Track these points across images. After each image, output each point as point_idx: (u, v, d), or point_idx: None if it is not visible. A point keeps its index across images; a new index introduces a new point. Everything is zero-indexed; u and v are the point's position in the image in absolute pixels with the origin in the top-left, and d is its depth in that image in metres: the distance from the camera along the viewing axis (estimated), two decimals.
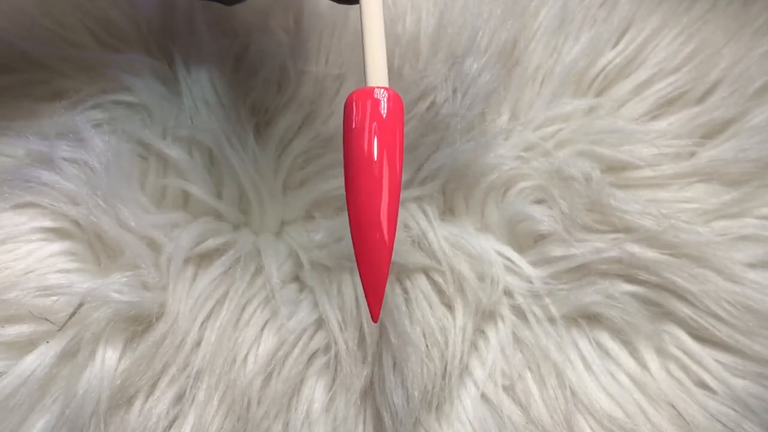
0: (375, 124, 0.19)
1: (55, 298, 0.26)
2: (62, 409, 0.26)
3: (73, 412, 0.25)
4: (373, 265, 0.20)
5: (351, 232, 0.20)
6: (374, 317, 0.20)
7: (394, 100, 0.20)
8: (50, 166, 0.29)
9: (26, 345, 0.26)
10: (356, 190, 0.19)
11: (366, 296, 0.20)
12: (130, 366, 0.26)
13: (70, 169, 0.28)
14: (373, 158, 0.19)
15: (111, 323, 0.26)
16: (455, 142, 0.31)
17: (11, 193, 0.28)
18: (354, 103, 0.20)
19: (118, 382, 0.26)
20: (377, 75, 0.20)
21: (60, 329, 0.26)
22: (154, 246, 0.29)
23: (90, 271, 0.28)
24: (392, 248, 0.20)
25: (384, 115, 0.19)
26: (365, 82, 0.20)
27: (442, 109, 0.32)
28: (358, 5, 0.21)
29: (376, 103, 0.19)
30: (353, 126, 0.19)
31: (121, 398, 0.27)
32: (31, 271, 0.27)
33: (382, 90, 0.20)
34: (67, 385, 0.26)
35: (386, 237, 0.20)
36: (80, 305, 0.26)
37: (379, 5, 0.20)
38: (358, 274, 0.29)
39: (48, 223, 0.28)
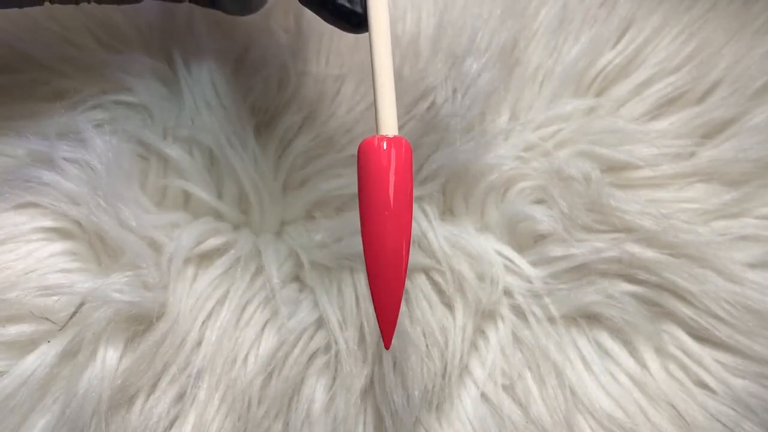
0: (387, 172, 0.21)
1: (56, 297, 0.27)
2: (63, 409, 0.26)
3: (74, 411, 0.25)
4: (387, 300, 0.22)
5: (367, 271, 0.22)
6: (387, 345, 0.22)
7: (405, 148, 0.21)
8: (51, 166, 0.29)
9: (27, 345, 0.26)
10: (371, 234, 0.21)
11: (380, 326, 0.22)
12: (130, 365, 0.27)
13: (70, 169, 0.28)
14: (388, 205, 0.21)
15: (112, 323, 0.27)
16: (455, 142, 0.31)
17: (12, 193, 0.28)
18: (366, 152, 0.21)
19: (119, 382, 0.26)
20: (387, 124, 0.21)
21: (61, 329, 0.26)
22: (154, 246, 0.29)
23: (91, 270, 0.28)
24: (404, 283, 0.22)
25: (394, 164, 0.21)
26: (377, 129, 0.22)
27: (442, 109, 0.32)
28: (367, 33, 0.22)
29: (388, 152, 0.21)
30: (366, 174, 0.21)
31: (122, 398, 0.27)
32: (32, 271, 0.27)
33: (392, 139, 0.21)
34: (68, 385, 0.26)
35: (400, 276, 0.21)
36: (81, 305, 0.26)
37: (389, 54, 0.22)
38: (358, 273, 0.30)
39: (49, 223, 0.28)
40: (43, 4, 0.26)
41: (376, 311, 0.22)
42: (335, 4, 0.25)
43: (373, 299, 0.22)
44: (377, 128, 0.22)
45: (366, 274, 0.22)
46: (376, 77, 0.22)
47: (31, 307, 0.26)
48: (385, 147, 0.21)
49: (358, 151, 0.21)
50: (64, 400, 0.26)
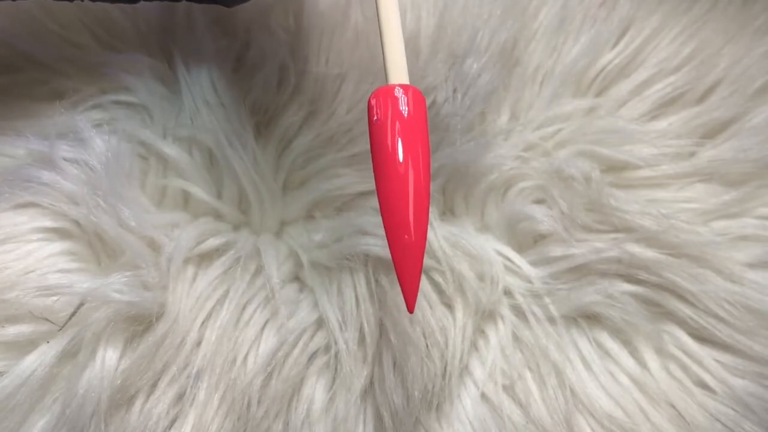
0: (398, 122, 0.20)
1: (55, 297, 0.26)
2: (62, 409, 0.26)
3: (74, 412, 0.25)
4: (405, 260, 0.20)
5: (385, 230, 0.20)
6: (410, 309, 0.21)
7: (416, 96, 0.20)
8: (50, 166, 0.29)
9: (26, 345, 0.26)
10: (384, 188, 0.20)
11: (402, 289, 0.21)
12: (130, 366, 0.26)
13: (70, 169, 0.28)
14: (398, 156, 0.19)
15: (111, 323, 0.26)
16: (455, 142, 0.31)
17: (11, 193, 0.28)
18: (376, 102, 0.20)
19: (119, 382, 0.26)
20: (397, 73, 0.20)
21: (60, 329, 0.26)
22: (154, 246, 0.29)
23: (90, 270, 0.28)
24: (424, 244, 0.20)
25: (406, 113, 0.20)
26: (386, 80, 0.20)
27: (442, 109, 0.32)
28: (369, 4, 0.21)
29: (398, 100, 0.20)
30: (376, 125, 0.20)
31: (122, 398, 0.27)
32: (32, 271, 0.27)
33: (404, 88, 0.20)
34: (68, 385, 0.26)
35: (414, 234, 0.20)
36: (81, 305, 0.26)
37: (396, 2, 0.21)
38: (358, 274, 0.30)
39: (48, 223, 0.28)
40: None
41: (397, 273, 0.20)
42: None
43: (393, 260, 0.20)
44: (387, 78, 0.20)
45: (384, 232, 0.20)
46: (383, 25, 0.20)
47: (31, 307, 0.26)
48: (396, 94, 0.20)
49: (369, 103, 0.20)
50: (64, 400, 0.26)
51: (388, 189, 0.20)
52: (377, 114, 0.20)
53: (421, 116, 0.20)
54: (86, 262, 0.28)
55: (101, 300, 0.26)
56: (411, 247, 0.20)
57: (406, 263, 0.20)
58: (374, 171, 0.20)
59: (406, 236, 0.20)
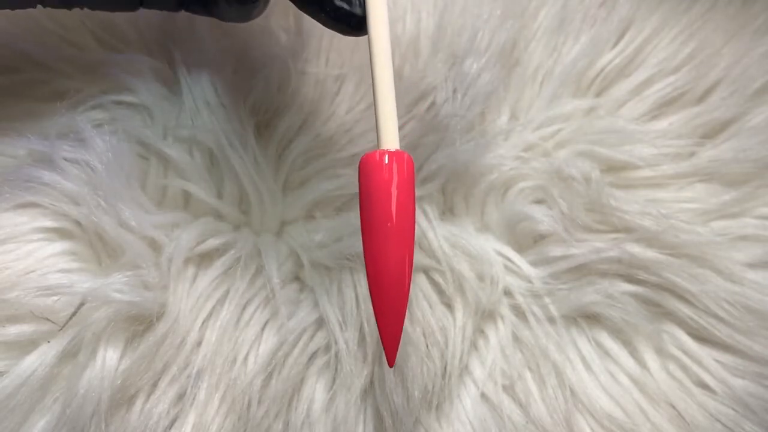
0: (389, 186, 0.21)
1: (56, 297, 0.27)
2: (63, 409, 0.26)
3: (74, 411, 0.25)
4: (390, 317, 0.21)
5: (369, 285, 0.21)
6: (390, 363, 0.22)
7: (407, 162, 0.21)
8: (51, 166, 0.29)
9: (27, 345, 0.26)
10: (373, 249, 0.21)
11: (383, 343, 0.22)
12: (130, 365, 0.27)
13: (71, 169, 0.28)
14: (390, 219, 0.21)
15: (112, 323, 0.26)
16: (455, 142, 0.31)
17: (12, 193, 0.28)
18: (367, 166, 0.21)
19: (119, 382, 0.26)
20: (389, 138, 0.21)
21: (61, 329, 0.26)
22: (154, 246, 0.29)
23: (91, 270, 0.28)
24: (407, 299, 0.21)
25: (396, 178, 0.21)
26: (378, 144, 0.21)
27: (442, 110, 0.32)
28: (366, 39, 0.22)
29: (390, 166, 0.21)
30: (367, 188, 0.21)
31: (122, 398, 0.27)
32: (32, 271, 0.27)
33: (394, 153, 0.21)
34: (68, 385, 0.26)
35: (403, 291, 0.21)
36: (81, 305, 0.26)
37: (390, 66, 0.22)
38: (358, 274, 0.30)
39: (49, 223, 0.28)
40: (36, 7, 0.26)
41: (379, 328, 0.21)
42: (333, 5, 0.25)
43: (375, 315, 0.21)
44: (378, 142, 0.21)
45: (367, 286, 0.22)
46: (377, 90, 0.21)
47: (31, 307, 0.26)
48: (386, 161, 0.21)
49: (359, 166, 0.21)
50: (64, 400, 0.26)
51: (377, 248, 0.21)
52: (369, 177, 0.21)
53: (410, 180, 0.21)
54: (87, 262, 0.28)
55: (102, 300, 0.26)
56: (397, 303, 0.21)
57: (390, 318, 0.21)
58: (362, 229, 0.21)
59: (394, 291, 0.21)
